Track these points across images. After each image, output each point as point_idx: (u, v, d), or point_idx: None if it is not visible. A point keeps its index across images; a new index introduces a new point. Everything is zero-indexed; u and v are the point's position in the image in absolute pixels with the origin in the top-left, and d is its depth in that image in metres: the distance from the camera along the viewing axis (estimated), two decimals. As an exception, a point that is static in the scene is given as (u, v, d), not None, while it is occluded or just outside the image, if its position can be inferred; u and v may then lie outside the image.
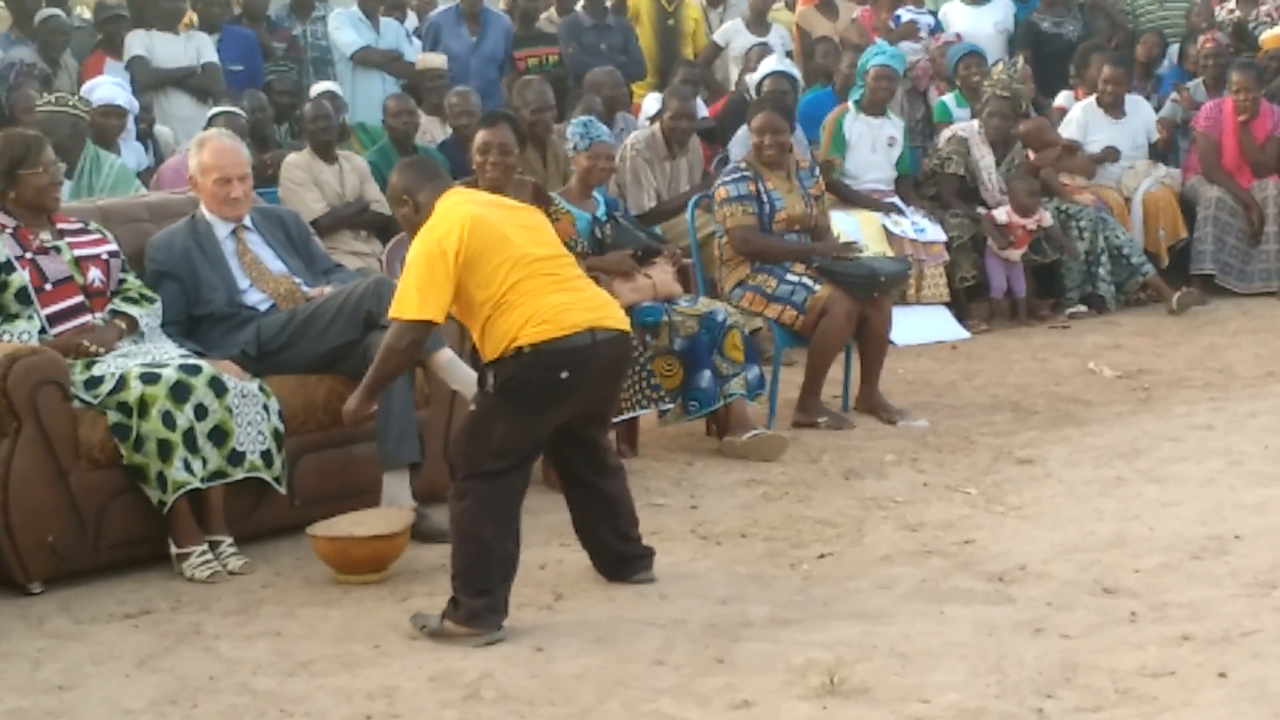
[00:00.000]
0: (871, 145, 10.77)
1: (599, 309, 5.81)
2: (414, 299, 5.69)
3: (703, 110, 11.37)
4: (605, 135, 8.24)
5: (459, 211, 5.75)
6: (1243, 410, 8.41)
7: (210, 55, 11.19)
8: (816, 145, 10.72)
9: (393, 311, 5.79)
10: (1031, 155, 11.17)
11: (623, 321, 5.90)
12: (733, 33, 12.58)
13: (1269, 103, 11.57)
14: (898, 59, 11.01)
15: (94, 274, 6.71)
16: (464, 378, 6.71)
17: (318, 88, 10.93)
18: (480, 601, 5.61)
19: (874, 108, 10.78)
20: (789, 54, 12.23)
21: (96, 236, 6.85)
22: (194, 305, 6.92)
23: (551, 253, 5.86)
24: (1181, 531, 6.46)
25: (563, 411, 5.76)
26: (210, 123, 9.41)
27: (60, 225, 6.78)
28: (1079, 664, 5.17)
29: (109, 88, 9.80)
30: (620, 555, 6.16)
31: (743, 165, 8.71)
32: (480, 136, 7.70)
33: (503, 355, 5.65)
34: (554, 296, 5.70)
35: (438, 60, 11.45)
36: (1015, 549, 6.34)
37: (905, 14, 12.55)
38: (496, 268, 5.67)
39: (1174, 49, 12.98)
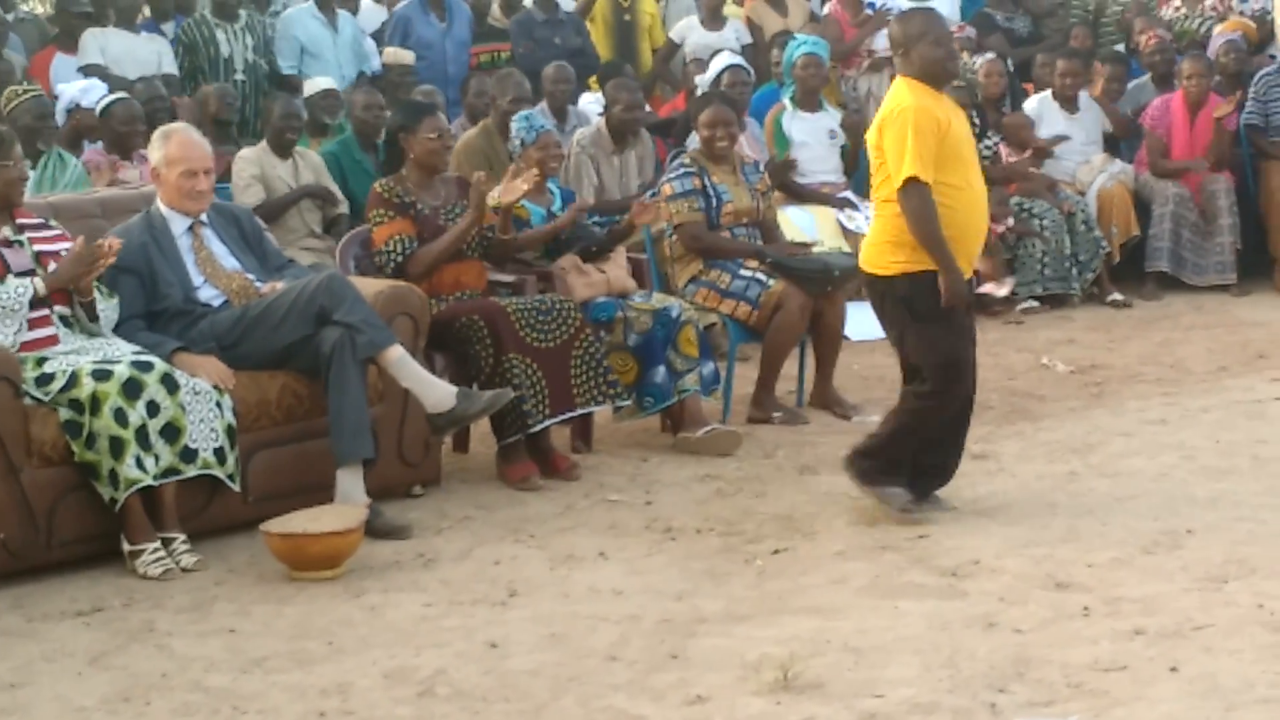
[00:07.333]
0: (815, 140, 10.80)
1: None
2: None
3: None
4: (548, 125, 8.36)
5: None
6: (1195, 405, 8.45)
7: (170, 65, 11.13)
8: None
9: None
10: (1005, 150, 11.21)
11: None
12: (687, 29, 12.57)
13: (1219, 94, 11.65)
14: (821, 46, 11.05)
15: (54, 269, 6.66)
16: (415, 376, 6.72)
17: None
18: None
19: (808, 100, 10.80)
20: (745, 48, 12.23)
21: (57, 233, 6.82)
22: (151, 301, 6.89)
23: None
24: (1134, 526, 6.49)
25: None
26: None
27: (21, 220, 6.74)
28: (1031, 658, 5.18)
29: (94, 90, 9.78)
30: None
31: (687, 160, 8.72)
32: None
33: None
34: None
35: (407, 56, 11.45)
36: (968, 544, 6.36)
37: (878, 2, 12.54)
38: None
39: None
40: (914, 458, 6.67)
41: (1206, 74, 11.52)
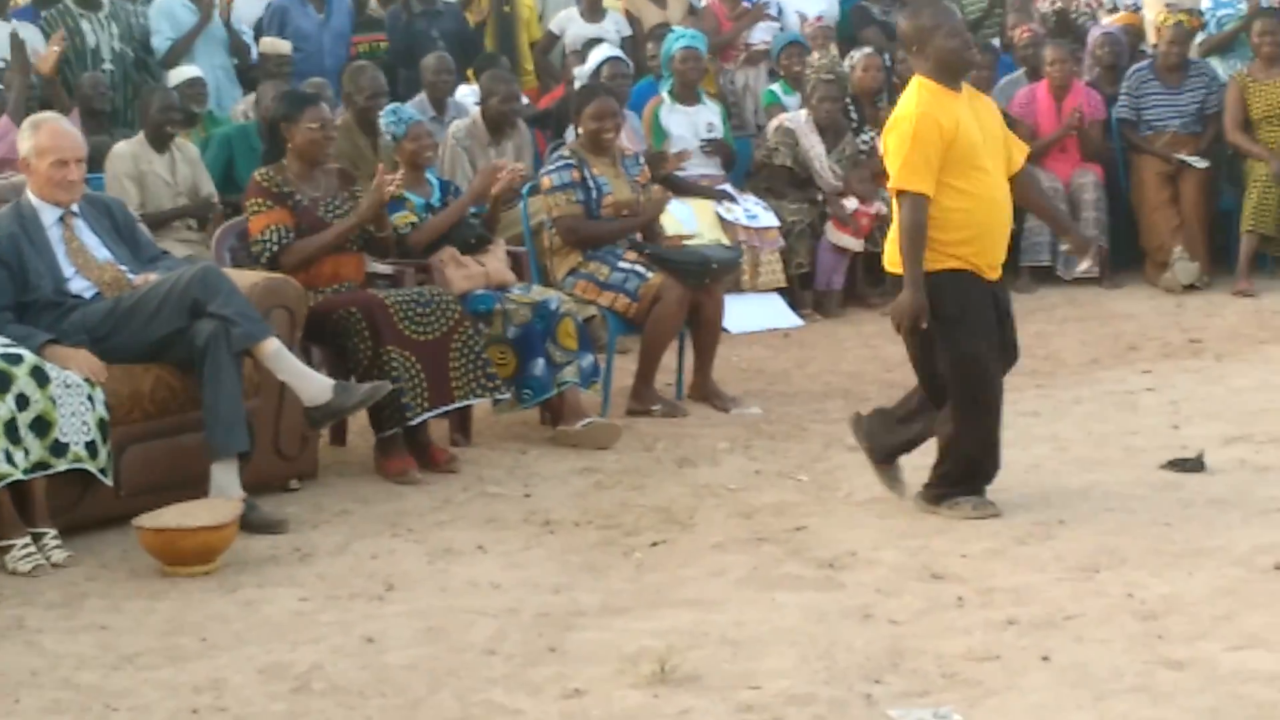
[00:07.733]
0: (693, 133, 10.85)
1: None
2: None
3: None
4: (416, 116, 8.46)
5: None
6: (1068, 397, 8.55)
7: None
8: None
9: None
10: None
11: None
12: (567, 21, 12.55)
13: (1092, 87, 11.80)
14: (699, 39, 11.10)
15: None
16: (291, 368, 6.67)
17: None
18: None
19: (686, 93, 10.87)
20: (624, 40, 12.24)
21: None
22: (21, 292, 6.78)
23: None
24: (1007, 517, 6.55)
25: None
26: None
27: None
28: (906, 649, 5.23)
29: None
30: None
31: (566, 153, 8.71)
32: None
33: None
34: None
35: (283, 46, 11.36)
36: (845, 536, 6.40)
37: None
38: None
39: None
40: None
41: (1069, 59, 11.65)
